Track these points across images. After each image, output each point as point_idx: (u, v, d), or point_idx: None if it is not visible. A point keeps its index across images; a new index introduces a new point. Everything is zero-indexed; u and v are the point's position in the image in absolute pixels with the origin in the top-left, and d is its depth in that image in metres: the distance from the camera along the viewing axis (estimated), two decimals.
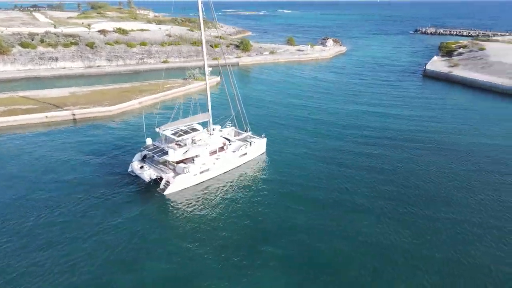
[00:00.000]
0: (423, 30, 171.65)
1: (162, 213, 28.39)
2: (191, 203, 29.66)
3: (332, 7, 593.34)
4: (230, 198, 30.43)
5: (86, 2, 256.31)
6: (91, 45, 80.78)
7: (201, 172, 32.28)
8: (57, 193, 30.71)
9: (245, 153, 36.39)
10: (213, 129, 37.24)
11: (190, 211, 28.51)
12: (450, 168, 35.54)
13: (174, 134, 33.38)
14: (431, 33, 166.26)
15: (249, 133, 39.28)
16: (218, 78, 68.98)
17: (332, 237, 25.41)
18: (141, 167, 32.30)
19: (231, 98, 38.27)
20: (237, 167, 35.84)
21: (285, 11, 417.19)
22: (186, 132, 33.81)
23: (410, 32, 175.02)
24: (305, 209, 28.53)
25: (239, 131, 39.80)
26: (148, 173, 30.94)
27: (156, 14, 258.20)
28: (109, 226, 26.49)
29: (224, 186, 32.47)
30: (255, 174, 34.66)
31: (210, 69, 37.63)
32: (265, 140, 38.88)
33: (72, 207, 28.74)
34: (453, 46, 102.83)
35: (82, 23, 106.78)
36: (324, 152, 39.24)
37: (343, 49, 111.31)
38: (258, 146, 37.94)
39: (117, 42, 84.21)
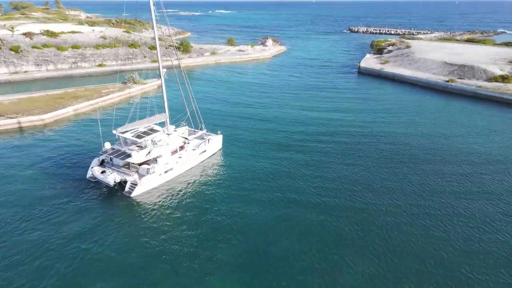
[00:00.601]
0: (356, 29, 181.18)
1: (131, 215, 28.29)
2: (157, 203, 29.94)
3: (265, 6, 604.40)
4: (193, 195, 31.17)
5: (8, 2, 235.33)
6: (15, 49, 74.55)
7: (165, 172, 32.76)
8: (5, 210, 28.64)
9: (205, 150, 37.62)
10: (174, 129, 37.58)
11: (156, 212, 28.68)
12: (383, 155, 38.21)
13: (134, 136, 33.21)
14: (363, 32, 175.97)
15: (204, 131, 40.41)
16: (158, 81, 67.22)
17: (282, 232, 26.31)
18: (103, 172, 31.82)
19: (183, 98, 38.78)
20: (198, 163, 36.96)
21: (222, 11, 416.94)
22: (146, 133, 33.78)
23: (344, 31, 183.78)
24: (257, 205, 29.61)
25: (194, 129, 40.52)
26: (112, 177, 30.64)
27: (89, 15, 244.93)
28: (81, 233, 25.96)
29: (187, 184, 33.08)
30: (215, 171, 35.80)
31: (165, 70, 37.62)
32: (221, 136, 40.21)
33: (42, 216, 27.72)
34: (383, 44, 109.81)
35: (4, 25, 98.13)
36: (271, 149, 40.71)
37: (283, 48, 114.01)
38: (215, 143, 39.43)
39: (45, 46, 78.56)
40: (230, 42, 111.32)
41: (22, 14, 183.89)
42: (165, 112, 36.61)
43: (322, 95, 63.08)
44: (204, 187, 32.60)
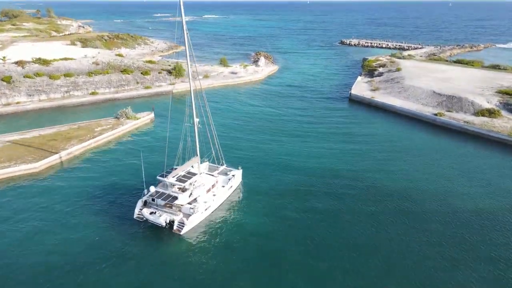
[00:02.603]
0: (347, 42, 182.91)
1: (184, 249, 33.92)
2: (204, 236, 35.55)
3: (257, 7, 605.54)
4: (231, 224, 37.42)
5: None
6: (7, 80, 74.49)
7: (205, 210, 37.58)
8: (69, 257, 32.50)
9: (231, 186, 42.57)
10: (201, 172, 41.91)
11: (206, 242, 34.65)
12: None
13: (177, 180, 37.69)
14: (354, 45, 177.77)
15: (225, 166, 44.80)
16: (151, 115, 67.66)
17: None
18: (151, 213, 36.08)
19: (207, 134, 41.72)
20: (227, 198, 41.86)
21: (212, 16, 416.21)
22: (186, 177, 38.25)
23: (336, 43, 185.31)
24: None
25: (216, 165, 44.66)
26: (163, 218, 35.20)
27: (80, 23, 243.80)
28: (161, 263, 31.84)
29: (222, 218, 38.45)
30: (241, 203, 41.39)
31: (198, 119, 39.66)
32: (241, 171, 44.70)
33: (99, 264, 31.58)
34: (373, 64, 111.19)
35: None
36: (280, 181, 46.38)
37: (274, 68, 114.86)
38: (238, 177, 44.24)
39: (37, 75, 78.56)
40: (222, 63, 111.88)
41: (13, 25, 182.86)
42: (197, 155, 40.66)
43: (310, 129, 63.92)
44: (236, 218, 38.37)
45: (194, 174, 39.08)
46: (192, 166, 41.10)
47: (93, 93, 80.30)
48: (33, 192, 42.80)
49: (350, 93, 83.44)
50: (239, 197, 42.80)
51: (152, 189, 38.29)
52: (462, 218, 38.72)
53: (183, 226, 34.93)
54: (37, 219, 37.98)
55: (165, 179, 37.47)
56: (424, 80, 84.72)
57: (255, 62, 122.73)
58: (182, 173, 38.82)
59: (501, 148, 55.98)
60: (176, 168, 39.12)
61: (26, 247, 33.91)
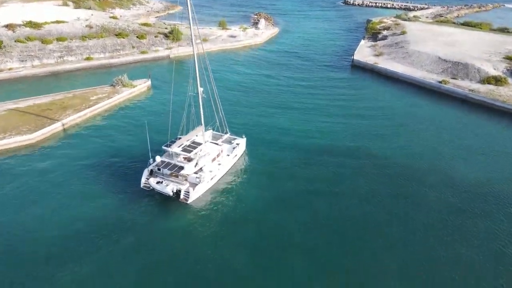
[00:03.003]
0: (351, 1, 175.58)
1: (191, 217, 34.99)
2: (210, 205, 36.40)
3: None
4: (236, 193, 38.25)
5: None
6: None
7: (211, 179, 38.06)
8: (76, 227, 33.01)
9: (236, 155, 42.90)
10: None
11: (212, 211, 35.62)
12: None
13: (182, 150, 38.06)
14: (358, 5, 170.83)
15: (229, 134, 44.91)
16: (148, 82, 65.84)
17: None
18: (158, 183, 36.54)
19: (211, 102, 41.21)
20: (231, 166, 42.22)
21: None
22: (191, 147, 38.57)
23: (339, 3, 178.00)
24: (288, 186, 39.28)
25: (219, 133, 44.67)
26: (170, 188, 35.66)
27: None
28: (169, 230, 33.17)
29: (227, 187, 39.25)
30: (245, 172, 42.00)
31: (202, 89, 39.44)
32: (245, 139, 45.00)
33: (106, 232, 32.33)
34: (377, 27, 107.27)
35: None
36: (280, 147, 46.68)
37: (275, 31, 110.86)
38: (242, 146, 44.41)
39: (29, 39, 75.65)
40: (221, 25, 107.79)
41: None
42: (201, 124, 40.87)
43: (311, 97, 62.48)
44: (241, 188, 39.19)
45: (199, 144, 39.26)
46: (197, 135, 41.01)
47: (87, 59, 77.77)
48: (31, 163, 42.21)
49: (353, 58, 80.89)
50: (243, 165, 43.27)
51: (158, 158, 38.19)
52: (464, 192, 38.46)
53: (190, 196, 35.62)
54: (37, 191, 37.81)
55: (170, 149, 37.61)
56: (429, 44, 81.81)
57: (255, 24, 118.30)
58: (187, 143, 39.07)
59: (508, 119, 54.71)
60: (180, 138, 39.28)
61: (28, 218, 34.01)
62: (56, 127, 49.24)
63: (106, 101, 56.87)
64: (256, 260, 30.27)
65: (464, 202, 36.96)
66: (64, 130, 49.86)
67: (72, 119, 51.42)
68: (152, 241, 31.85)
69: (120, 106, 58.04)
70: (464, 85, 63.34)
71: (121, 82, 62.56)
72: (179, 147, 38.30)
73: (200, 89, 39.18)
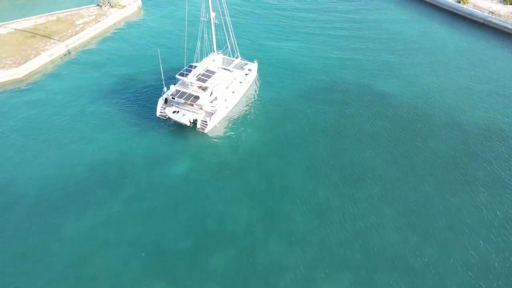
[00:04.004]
0: None
1: (208, 143, 36.18)
2: (224, 135, 37.05)
3: None
4: (249, 122, 38.59)
5: None
6: None
7: (225, 108, 38.09)
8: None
9: (248, 81, 42.13)
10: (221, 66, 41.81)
11: (227, 141, 36.37)
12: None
13: (197, 79, 37.20)
14: None
15: (240, 59, 43.79)
16: (138, 1, 59.74)
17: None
18: (175, 112, 36.52)
19: (222, 26, 40.10)
20: (243, 93, 41.81)
21: None
22: (206, 76, 37.68)
23: None
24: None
25: (228, 57, 43.52)
26: (187, 117, 35.86)
27: None
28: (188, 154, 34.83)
29: (241, 113, 39.61)
30: (258, 96, 42.01)
31: (214, 13, 38.52)
32: (256, 64, 43.78)
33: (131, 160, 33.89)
34: None
35: None
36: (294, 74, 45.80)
37: None
38: (253, 71, 43.30)
39: None
40: None
41: None
42: (214, 51, 40.55)
43: (318, 26, 57.44)
44: (253, 115, 39.30)
45: (214, 72, 38.36)
46: (211, 61, 40.24)
47: None
48: (22, 103, 40.28)
49: None
50: (255, 91, 42.72)
51: (173, 88, 37.39)
52: (471, 136, 37.40)
53: (206, 125, 35.87)
54: (48, 126, 37.34)
55: (186, 78, 36.71)
56: None
57: None
58: (202, 71, 38.09)
59: None
60: (193, 65, 38.15)
61: (48, 157, 34.19)
62: (43, 58, 45.95)
63: (93, 25, 52.29)
64: (259, 202, 30.95)
65: (472, 146, 36.14)
66: (52, 62, 46.65)
67: (59, 48, 47.74)
68: (175, 169, 33.24)
69: (111, 31, 53.60)
70: (485, 6, 57.69)
71: (108, 2, 56.81)
72: (194, 76, 37.28)
73: (212, 14, 37.84)
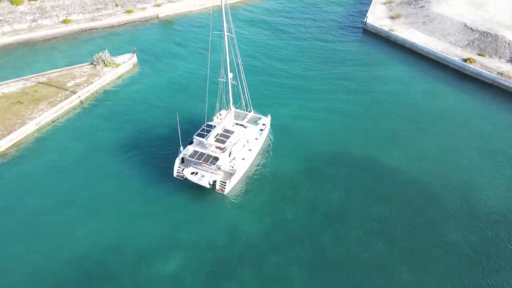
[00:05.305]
0: None
1: (230, 206, 35.81)
2: (245, 193, 36.76)
3: None
4: (268, 178, 38.53)
5: None
6: None
7: (244, 166, 37.75)
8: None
9: (263, 137, 41.82)
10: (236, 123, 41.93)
11: (247, 201, 36.08)
12: None
13: (216, 140, 37.08)
14: None
15: (252, 112, 43.49)
16: (134, 58, 57.77)
17: None
18: (193, 173, 35.95)
19: (238, 79, 39.22)
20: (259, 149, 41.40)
21: None
22: (224, 136, 37.67)
23: None
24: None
25: (241, 111, 43.17)
26: (207, 179, 35.18)
27: None
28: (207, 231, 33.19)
29: (258, 169, 39.50)
30: (273, 151, 41.88)
31: (231, 74, 38.42)
32: (269, 118, 43.34)
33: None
34: None
35: None
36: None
37: None
38: (267, 127, 42.90)
39: None
40: None
41: None
42: (230, 109, 40.60)
43: (316, 79, 55.29)
44: (271, 170, 39.29)
45: (232, 132, 38.47)
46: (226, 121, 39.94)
47: (65, 21, 68.36)
48: (12, 177, 37.43)
49: (366, 21, 71.31)
50: (269, 145, 42.67)
51: (190, 148, 37.58)
52: (490, 223, 34.09)
53: (226, 186, 35.52)
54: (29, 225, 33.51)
55: (204, 140, 36.57)
56: (453, 4, 71.55)
57: None
58: (220, 131, 38.06)
59: None
60: (209, 125, 38.10)
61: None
62: (29, 128, 43.31)
63: (85, 88, 49.97)
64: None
65: (493, 236, 32.84)
66: (39, 130, 44.00)
67: (47, 115, 45.19)
68: (196, 230, 33.14)
69: (104, 92, 51.40)
70: (493, 66, 55.72)
71: (102, 61, 54.86)
72: (212, 137, 37.29)
73: (230, 75, 38.30)
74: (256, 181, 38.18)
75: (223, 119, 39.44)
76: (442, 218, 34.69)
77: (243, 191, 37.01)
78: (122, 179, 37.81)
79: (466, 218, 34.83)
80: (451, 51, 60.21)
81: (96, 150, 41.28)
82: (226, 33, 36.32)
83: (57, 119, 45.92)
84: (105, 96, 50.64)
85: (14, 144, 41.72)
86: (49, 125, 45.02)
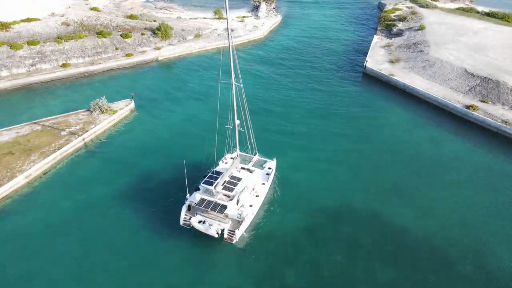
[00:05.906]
0: None
1: (239, 255, 34.80)
2: (253, 241, 35.90)
3: None
4: (275, 224, 37.80)
5: None
6: None
7: (252, 213, 36.77)
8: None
9: (270, 181, 40.87)
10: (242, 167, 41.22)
11: (256, 249, 35.19)
12: None
13: (224, 188, 36.15)
14: None
15: (257, 156, 42.83)
16: (131, 104, 57.00)
17: None
18: (200, 222, 35.04)
19: (243, 123, 38.82)
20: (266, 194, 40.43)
21: None
22: (231, 183, 36.76)
23: None
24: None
25: (246, 154, 42.57)
26: (214, 228, 34.19)
27: None
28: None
29: (265, 214, 38.72)
30: (279, 195, 41.14)
31: (238, 121, 38.03)
32: (275, 162, 42.71)
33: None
34: (391, 16, 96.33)
35: None
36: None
37: (277, 21, 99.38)
38: (273, 171, 42.02)
39: None
40: (217, 14, 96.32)
41: None
42: (237, 156, 40.44)
43: (315, 128, 54.11)
44: (278, 217, 38.57)
45: (239, 179, 37.52)
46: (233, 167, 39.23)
47: (64, 65, 68.34)
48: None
49: (365, 65, 71.29)
50: (275, 189, 41.90)
51: (198, 196, 36.70)
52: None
53: (234, 234, 34.47)
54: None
55: (212, 187, 35.74)
56: (452, 48, 71.88)
57: (255, 9, 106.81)
58: (227, 179, 37.24)
59: None
60: (215, 171, 37.39)
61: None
62: (18, 181, 41.54)
63: (80, 137, 48.61)
64: None
65: None
66: (29, 184, 42.23)
67: (39, 167, 43.57)
68: (205, 280, 32.24)
69: (99, 139, 50.11)
70: (496, 113, 54.71)
71: (99, 107, 53.93)
72: (220, 184, 36.35)
73: (237, 122, 37.99)
74: (264, 229, 37.27)
75: (231, 166, 38.55)
76: (454, 284, 32.23)
77: (250, 240, 36.13)
78: (117, 236, 35.95)
79: (480, 283, 32.42)
80: (453, 97, 59.51)
81: (90, 204, 39.34)
82: (234, 82, 36.12)
83: (49, 170, 44.27)
84: (100, 145, 49.28)
85: (1, 198, 39.77)
86: (40, 177, 43.28)
